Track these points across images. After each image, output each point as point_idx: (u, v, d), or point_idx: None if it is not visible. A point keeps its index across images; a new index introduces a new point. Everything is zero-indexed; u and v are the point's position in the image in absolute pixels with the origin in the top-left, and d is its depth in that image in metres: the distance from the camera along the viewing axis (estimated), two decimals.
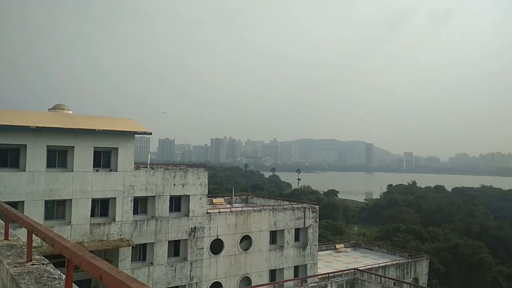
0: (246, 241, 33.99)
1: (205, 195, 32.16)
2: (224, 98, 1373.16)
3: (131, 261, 28.99)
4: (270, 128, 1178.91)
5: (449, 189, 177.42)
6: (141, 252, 30.14)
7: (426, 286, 41.99)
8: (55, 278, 4.22)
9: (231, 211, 33.73)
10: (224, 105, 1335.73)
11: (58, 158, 27.34)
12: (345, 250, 49.43)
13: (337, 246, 50.24)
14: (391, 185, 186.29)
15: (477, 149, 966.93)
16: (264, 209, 35.36)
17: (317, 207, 39.03)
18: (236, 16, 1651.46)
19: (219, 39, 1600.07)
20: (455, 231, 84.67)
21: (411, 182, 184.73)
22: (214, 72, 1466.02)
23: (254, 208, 35.57)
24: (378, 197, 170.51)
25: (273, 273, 35.31)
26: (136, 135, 30.12)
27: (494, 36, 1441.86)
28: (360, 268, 31.37)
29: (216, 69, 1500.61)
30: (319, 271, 35.23)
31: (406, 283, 32.97)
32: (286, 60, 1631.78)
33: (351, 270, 21.25)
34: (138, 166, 30.58)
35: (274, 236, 36.09)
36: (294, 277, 34.43)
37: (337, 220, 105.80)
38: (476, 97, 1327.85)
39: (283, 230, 35.77)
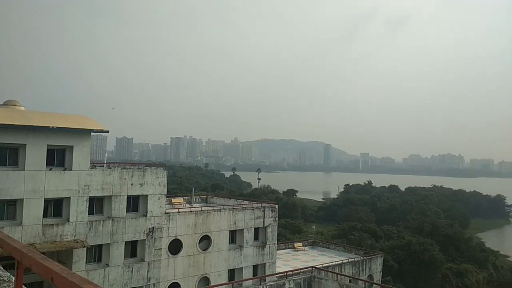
0: (205, 241, 33.84)
1: (164, 195, 31.74)
2: (185, 97, 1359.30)
3: (86, 262, 28.17)
4: (231, 128, 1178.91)
5: (402, 188, 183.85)
6: (97, 254, 29.34)
7: (380, 283, 43.36)
8: (4, 281, 4.07)
9: (191, 211, 33.46)
10: (184, 104, 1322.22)
11: (8, 156, 26.16)
12: (303, 248, 50.18)
13: (296, 244, 50.92)
14: (348, 184, 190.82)
15: (429, 151, 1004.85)
16: (224, 209, 35.34)
17: (276, 206, 39.42)
18: (192, 16, 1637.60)
19: (176, 39, 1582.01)
20: (408, 229, 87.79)
21: (367, 182, 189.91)
22: (174, 71, 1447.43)
23: (214, 208, 35.48)
24: (336, 197, 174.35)
25: (232, 273, 35.35)
26: (92, 133, 29.28)
27: (447, 44, 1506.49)
28: (318, 266, 32.00)
29: (176, 68, 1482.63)
30: (278, 270, 35.60)
31: (361, 280, 33.91)
32: (247, 60, 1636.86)
33: (308, 268, 21.64)
34: (94, 165, 29.74)
35: (234, 236, 36.14)
36: (253, 276, 34.63)
37: (296, 219, 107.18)
38: (427, 102, 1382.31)
39: (243, 229, 35.89)
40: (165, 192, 32.00)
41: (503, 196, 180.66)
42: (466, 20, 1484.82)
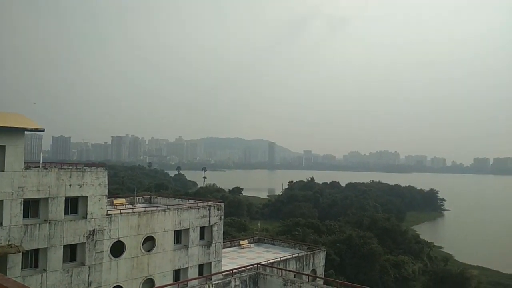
0: (149, 242, 33.14)
1: (104, 196, 30.66)
2: (127, 94, 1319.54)
3: (22, 268, 26.61)
4: (176, 126, 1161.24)
5: (343, 184, 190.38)
6: (33, 259, 27.80)
7: (323, 277, 44.66)
8: None
9: (133, 212, 32.60)
10: (126, 102, 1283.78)
11: None
12: (249, 246, 50.55)
13: (241, 242, 51.17)
14: (292, 181, 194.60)
15: (368, 148, 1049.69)
16: (169, 209, 34.77)
17: (222, 204, 39.39)
18: (132, 14, 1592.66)
19: (117, 36, 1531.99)
20: (349, 224, 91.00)
21: (310, 179, 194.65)
22: (116, 67, 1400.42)
23: (158, 208, 34.80)
24: (280, 193, 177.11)
25: (177, 273, 34.90)
26: (26, 132, 27.68)
27: (385, 45, 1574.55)
28: (263, 263, 32.41)
29: (118, 65, 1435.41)
30: (224, 268, 35.61)
31: (305, 274, 34.75)
32: (191, 59, 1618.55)
33: (254, 265, 21.88)
34: (28, 165, 28.13)
35: (179, 236, 35.67)
36: (199, 275, 34.40)
37: (241, 217, 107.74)
38: (366, 102, 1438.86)
39: (188, 229, 35.53)
40: (106, 193, 30.94)
41: (435, 190, 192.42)
42: (405, 23, 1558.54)
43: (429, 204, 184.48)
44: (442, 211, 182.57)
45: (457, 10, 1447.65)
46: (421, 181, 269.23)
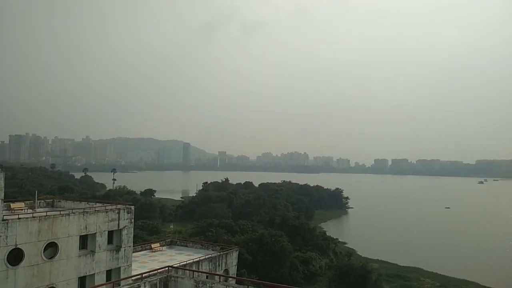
0: (51, 248, 30.97)
1: (0, 200, 28.10)
2: (28, 89, 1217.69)
3: None
4: (83, 125, 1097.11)
5: (256, 185, 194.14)
6: None
7: (235, 276, 45.23)
8: None
9: (34, 217, 30.24)
10: (26, 98, 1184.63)
11: None
12: (161, 249, 49.49)
13: (153, 245, 49.92)
14: (206, 182, 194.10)
15: (279, 149, 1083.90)
16: (73, 213, 32.79)
17: (132, 207, 38.07)
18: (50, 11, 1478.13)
19: (27, 31, 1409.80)
20: (261, 223, 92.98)
21: (224, 180, 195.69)
22: (16, 61, 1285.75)
23: (62, 212, 32.64)
24: (194, 195, 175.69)
25: (82, 280, 33.05)
26: None
27: (300, 51, 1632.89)
28: (175, 266, 31.96)
29: (20, 60, 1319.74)
30: (134, 273, 34.45)
31: (217, 275, 34.93)
32: (101, 55, 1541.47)
33: (165, 269, 21.53)
34: None
35: (85, 241, 33.79)
36: (107, 282, 32.90)
37: (153, 220, 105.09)
38: (278, 105, 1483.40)
39: (95, 233, 33.80)
40: (2, 196, 28.37)
41: (340, 189, 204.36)
42: (319, 30, 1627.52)
43: (335, 202, 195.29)
44: (347, 209, 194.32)
45: (370, 13, 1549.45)
46: (328, 181, 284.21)
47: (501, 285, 74.08)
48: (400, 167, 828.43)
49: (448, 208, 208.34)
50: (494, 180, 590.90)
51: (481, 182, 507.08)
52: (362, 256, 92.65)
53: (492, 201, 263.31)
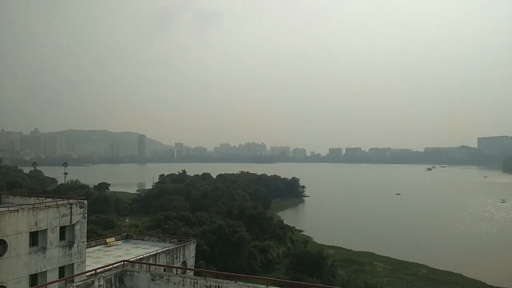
0: (0, 246, 29.73)
1: None
2: None
3: None
4: (31, 117, 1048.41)
5: (214, 176, 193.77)
6: None
7: (193, 268, 45.27)
8: None
9: None
10: None
11: None
12: (116, 243, 48.58)
13: (108, 240, 48.90)
14: (163, 175, 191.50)
15: (237, 140, 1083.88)
16: (22, 209, 31.55)
17: (85, 202, 37.08)
18: None
19: None
20: (219, 214, 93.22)
21: (181, 171, 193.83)
22: None
23: (10, 209, 31.33)
24: (151, 188, 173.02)
25: (34, 278, 31.96)
26: None
27: (256, 41, 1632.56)
28: (131, 260, 31.53)
29: None
30: (88, 268, 33.69)
31: (175, 267, 34.88)
32: (55, 44, 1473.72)
33: (120, 263, 21.22)
34: None
35: (35, 237, 32.63)
36: (60, 278, 31.98)
37: (108, 214, 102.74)
38: (235, 95, 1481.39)
39: (46, 229, 32.71)
40: None
41: (297, 178, 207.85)
42: (273, 19, 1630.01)
43: (292, 191, 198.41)
44: (303, 198, 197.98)
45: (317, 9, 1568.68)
46: (285, 171, 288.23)
47: (448, 266, 78.30)
48: (353, 156, 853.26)
49: (399, 194, 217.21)
50: (441, 166, 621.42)
51: (429, 169, 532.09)
52: (318, 243, 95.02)
53: (439, 186, 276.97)
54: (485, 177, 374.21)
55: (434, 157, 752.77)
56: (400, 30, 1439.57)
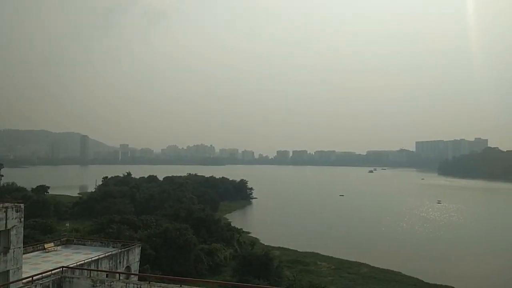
0: None
1: None
2: None
3: None
4: None
5: (161, 178, 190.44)
6: None
7: (137, 273, 44.20)
8: None
9: None
10: None
11: None
12: (55, 249, 46.43)
13: (46, 245, 46.61)
14: (107, 177, 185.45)
15: (185, 142, 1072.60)
16: None
17: (22, 205, 35.17)
18: None
19: None
20: (166, 217, 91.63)
21: (126, 174, 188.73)
22: None
23: None
24: (93, 190, 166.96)
25: None
26: None
27: (210, 41, 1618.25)
28: (71, 266, 30.35)
29: None
30: (25, 275, 31.96)
31: (118, 272, 33.90)
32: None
33: (59, 269, 20.35)
34: None
35: None
36: None
37: (47, 218, 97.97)
38: (183, 96, 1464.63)
39: None
40: None
41: (245, 180, 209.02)
42: (223, 20, 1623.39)
43: (240, 193, 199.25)
44: (251, 199, 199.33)
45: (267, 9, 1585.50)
46: (233, 173, 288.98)
47: (388, 265, 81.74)
48: (300, 158, 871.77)
49: (342, 195, 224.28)
50: (382, 169, 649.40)
51: (371, 171, 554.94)
52: (265, 244, 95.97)
53: (380, 188, 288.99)
54: (422, 179, 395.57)
55: (376, 159, 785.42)
56: (351, 37, 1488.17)
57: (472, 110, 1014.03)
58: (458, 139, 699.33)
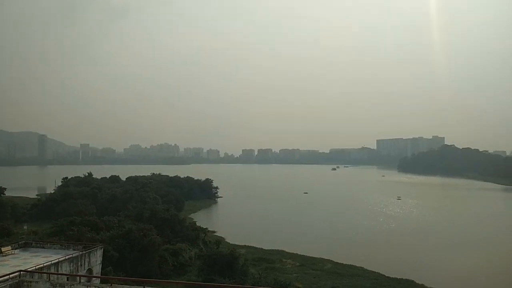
0: None
1: None
2: None
3: None
4: None
5: (124, 178, 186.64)
6: None
7: (99, 275, 43.29)
8: None
9: None
10: None
11: None
12: (13, 252, 44.69)
13: (3, 249, 44.78)
14: (67, 178, 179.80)
15: (149, 141, 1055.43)
16: None
17: None
18: None
19: None
20: (129, 218, 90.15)
21: (87, 174, 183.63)
22: None
23: None
24: (53, 192, 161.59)
25: None
26: None
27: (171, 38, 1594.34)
28: (28, 269, 29.34)
29: None
30: None
31: (79, 275, 33.09)
32: None
33: (16, 273, 19.67)
34: None
35: None
36: None
37: (4, 221, 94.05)
38: (144, 94, 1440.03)
39: None
40: None
41: (210, 179, 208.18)
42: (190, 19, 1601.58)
43: (205, 192, 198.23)
44: (216, 199, 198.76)
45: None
46: (198, 172, 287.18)
47: (351, 260, 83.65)
48: (265, 157, 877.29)
49: (306, 193, 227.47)
50: (344, 166, 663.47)
51: (334, 169, 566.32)
52: (231, 243, 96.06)
53: (342, 185, 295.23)
54: (382, 176, 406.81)
55: (339, 157, 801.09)
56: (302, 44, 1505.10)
57: (431, 108, 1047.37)
58: (417, 137, 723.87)
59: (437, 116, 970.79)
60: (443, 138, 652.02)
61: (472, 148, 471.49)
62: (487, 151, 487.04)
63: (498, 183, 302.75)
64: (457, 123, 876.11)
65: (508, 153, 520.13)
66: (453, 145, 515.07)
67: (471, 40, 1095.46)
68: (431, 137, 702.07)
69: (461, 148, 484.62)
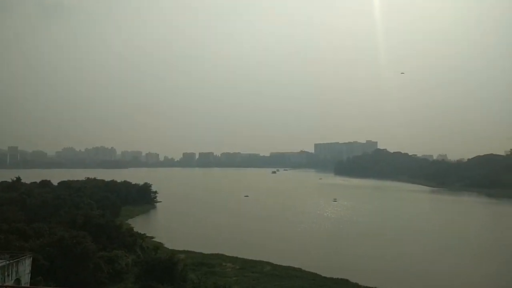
0: None
1: None
2: None
3: None
4: None
5: (55, 183, 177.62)
6: None
7: (28, 285, 41.11)
8: None
9: None
10: None
11: None
12: None
13: None
14: None
15: (83, 144, 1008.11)
16: None
17: None
18: None
19: None
20: (61, 224, 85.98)
21: (15, 179, 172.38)
22: None
23: None
24: None
25: None
26: None
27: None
28: None
29: None
30: None
31: (7, 286, 31.32)
32: None
33: None
34: None
35: None
36: None
37: None
38: (76, 94, 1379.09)
39: None
40: None
41: (149, 184, 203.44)
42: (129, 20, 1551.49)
43: (144, 197, 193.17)
44: (155, 203, 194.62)
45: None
46: (137, 176, 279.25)
47: (289, 262, 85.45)
48: (206, 160, 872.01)
49: (247, 196, 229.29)
50: (284, 169, 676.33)
51: (274, 172, 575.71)
52: (170, 248, 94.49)
53: (282, 188, 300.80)
54: (320, 179, 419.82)
55: (279, 161, 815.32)
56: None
57: (366, 113, 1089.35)
58: (352, 141, 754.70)
59: (371, 121, 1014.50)
60: (376, 142, 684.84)
61: (402, 152, 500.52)
62: (416, 155, 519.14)
63: (425, 185, 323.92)
64: (389, 128, 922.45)
65: (434, 157, 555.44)
66: (385, 149, 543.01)
67: (407, 42, 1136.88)
68: (365, 142, 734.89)
69: (392, 152, 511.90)
